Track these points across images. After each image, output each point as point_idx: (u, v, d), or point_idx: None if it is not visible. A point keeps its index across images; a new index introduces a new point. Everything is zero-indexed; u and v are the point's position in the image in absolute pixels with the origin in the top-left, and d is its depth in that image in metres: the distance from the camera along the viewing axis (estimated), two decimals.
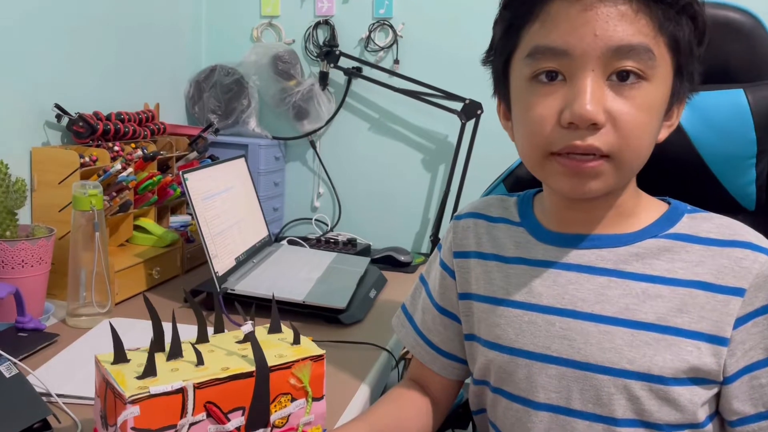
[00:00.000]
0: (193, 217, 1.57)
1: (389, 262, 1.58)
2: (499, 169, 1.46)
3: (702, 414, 0.68)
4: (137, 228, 1.38)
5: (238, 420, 0.69)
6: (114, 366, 0.69)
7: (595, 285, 0.71)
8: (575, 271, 0.72)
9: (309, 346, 0.76)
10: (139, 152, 1.31)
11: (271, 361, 0.71)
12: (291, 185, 1.88)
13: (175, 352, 0.71)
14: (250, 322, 0.72)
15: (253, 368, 0.69)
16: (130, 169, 1.27)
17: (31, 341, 0.99)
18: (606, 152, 0.64)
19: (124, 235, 1.35)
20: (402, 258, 1.58)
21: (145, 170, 1.37)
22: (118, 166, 1.20)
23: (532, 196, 0.82)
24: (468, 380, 0.88)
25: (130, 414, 0.62)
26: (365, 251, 1.62)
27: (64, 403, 0.82)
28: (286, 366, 0.72)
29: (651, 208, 0.74)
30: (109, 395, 0.66)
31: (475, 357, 0.80)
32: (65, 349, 0.99)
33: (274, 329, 0.80)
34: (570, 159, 0.65)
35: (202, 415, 0.66)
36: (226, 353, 0.73)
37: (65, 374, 0.90)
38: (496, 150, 1.67)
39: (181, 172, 1.15)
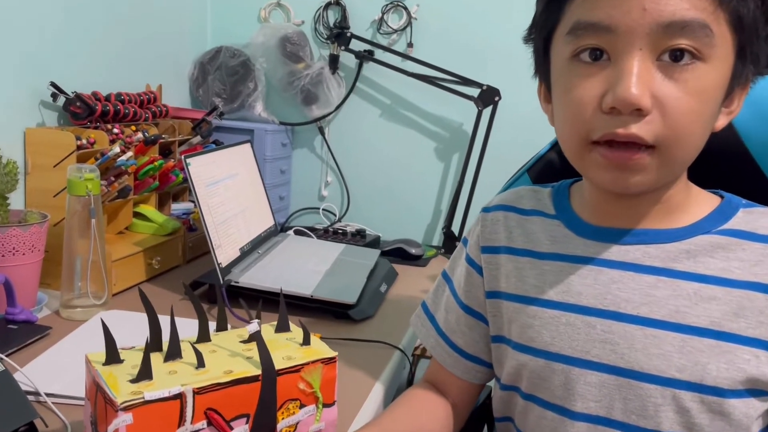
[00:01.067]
0: (195, 205, 1.51)
1: (399, 254, 1.51)
2: (516, 160, 1.40)
3: (756, 428, 0.62)
4: (137, 215, 1.32)
5: (241, 428, 0.62)
6: (105, 367, 0.62)
7: (641, 284, 0.64)
8: (618, 268, 0.66)
9: (320, 347, 0.70)
10: (140, 135, 1.24)
11: (279, 364, 0.64)
12: (298, 173, 1.81)
13: (174, 353, 0.64)
14: (256, 321, 0.65)
15: (258, 371, 0.63)
16: (129, 153, 1.21)
17: (21, 334, 0.93)
18: (651, 142, 0.57)
19: (122, 223, 1.29)
20: (413, 251, 1.51)
21: (145, 154, 1.30)
22: (116, 149, 1.13)
23: (568, 186, 0.76)
24: (489, 384, 0.82)
25: (122, 422, 0.56)
26: (374, 243, 1.56)
27: (53, 403, 0.76)
28: (295, 369, 0.65)
29: (702, 202, 0.67)
30: (99, 399, 0.60)
31: (504, 361, 0.74)
32: (57, 343, 0.92)
33: (282, 327, 0.74)
34: (612, 150, 0.59)
35: (202, 424, 0.60)
36: (230, 354, 0.66)
37: (56, 371, 0.84)
38: (514, 139, 1.60)
39: (183, 157, 1.08)
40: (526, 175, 0.97)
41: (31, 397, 0.77)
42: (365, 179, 1.77)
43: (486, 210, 0.79)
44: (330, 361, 0.68)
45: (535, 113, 1.57)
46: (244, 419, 0.62)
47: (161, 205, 1.42)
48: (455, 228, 1.62)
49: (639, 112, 0.56)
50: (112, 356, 0.63)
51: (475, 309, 0.77)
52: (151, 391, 0.57)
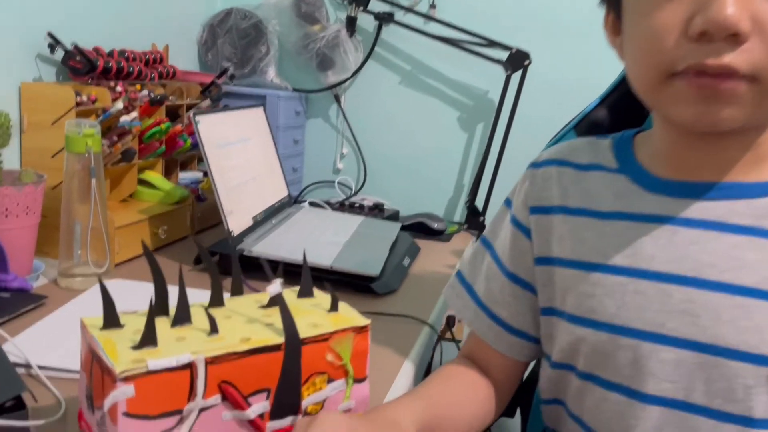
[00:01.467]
0: (206, 171, 1.42)
1: (420, 229, 1.42)
2: (547, 128, 1.31)
3: None
4: (142, 182, 1.23)
5: (261, 405, 0.53)
6: (103, 332, 0.53)
7: (726, 246, 0.55)
8: (699, 227, 0.56)
9: (350, 315, 0.61)
10: (145, 92, 1.15)
11: (304, 332, 0.55)
12: (312, 144, 1.71)
13: (182, 317, 0.56)
14: (279, 280, 0.56)
15: (280, 340, 0.54)
16: (134, 114, 1.11)
17: (14, 303, 0.84)
18: (748, 73, 0.48)
19: (126, 190, 1.20)
20: (435, 225, 1.42)
21: (151, 116, 1.21)
22: (119, 104, 1.04)
23: (631, 137, 0.66)
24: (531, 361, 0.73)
25: (121, 395, 0.47)
26: (393, 217, 1.47)
27: (46, 376, 0.68)
28: (323, 338, 0.56)
29: None
30: (95, 370, 0.51)
31: (555, 335, 0.65)
32: (52, 313, 0.84)
33: (305, 293, 0.65)
34: (699, 77, 0.50)
35: (216, 399, 0.51)
36: (247, 320, 0.58)
37: (50, 342, 0.75)
38: (544, 107, 1.50)
39: (192, 113, 0.99)
40: (572, 132, 0.88)
41: (21, 370, 0.69)
42: (383, 151, 1.67)
43: (535, 165, 0.70)
44: (362, 330, 0.59)
45: (569, 78, 1.49)
46: (264, 394, 0.54)
47: (168, 174, 1.33)
48: (479, 203, 1.52)
49: (735, 38, 0.47)
50: (111, 320, 0.54)
51: (522, 277, 0.68)
52: (156, 358, 0.48)
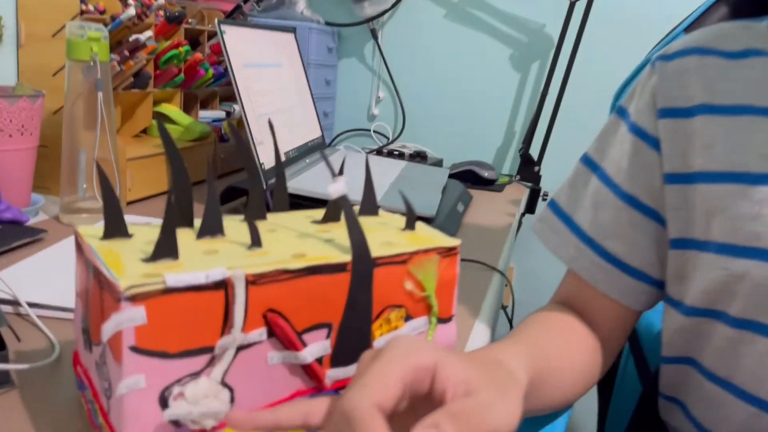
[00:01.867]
0: (229, 111, 1.28)
1: (469, 178, 1.26)
2: (616, 66, 1.14)
3: None
4: (157, 116, 1.08)
5: (320, 345, 0.39)
6: (105, 242, 0.39)
7: None
8: None
9: (431, 234, 0.46)
10: (162, 2, 0.99)
11: (376, 251, 0.40)
12: (345, 86, 1.55)
13: (212, 227, 0.41)
14: (342, 177, 0.41)
15: (345, 258, 0.39)
16: (149, 33, 0.96)
17: (5, 235, 0.70)
18: None
19: (140, 123, 1.05)
20: (486, 174, 1.27)
21: (168, 38, 1.05)
22: (131, 11, 0.89)
23: None
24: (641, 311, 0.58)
25: (127, 320, 0.32)
26: (437, 165, 1.31)
27: (38, 316, 0.54)
28: (400, 259, 0.41)
29: None
30: (93, 290, 0.37)
31: (692, 274, 0.50)
32: (50, 247, 0.70)
33: (369, 210, 0.50)
34: None
35: (260, 333, 0.36)
36: (298, 235, 0.43)
37: (45, 279, 0.61)
38: (614, 42, 1.32)
39: (216, 21, 0.84)
40: (682, 35, 0.72)
41: (8, 308, 0.55)
42: (424, 94, 1.51)
43: (665, 58, 0.54)
44: (450, 252, 0.44)
45: (645, 7, 1.31)
46: (324, 332, 0.39)
47: (187, 111, 1.18)
48: (534, 152, 1.36)
49: None
50: (116, 227, 0.40)
51: (644, 201, 0.53)
52: (176, 272, 0.34)
